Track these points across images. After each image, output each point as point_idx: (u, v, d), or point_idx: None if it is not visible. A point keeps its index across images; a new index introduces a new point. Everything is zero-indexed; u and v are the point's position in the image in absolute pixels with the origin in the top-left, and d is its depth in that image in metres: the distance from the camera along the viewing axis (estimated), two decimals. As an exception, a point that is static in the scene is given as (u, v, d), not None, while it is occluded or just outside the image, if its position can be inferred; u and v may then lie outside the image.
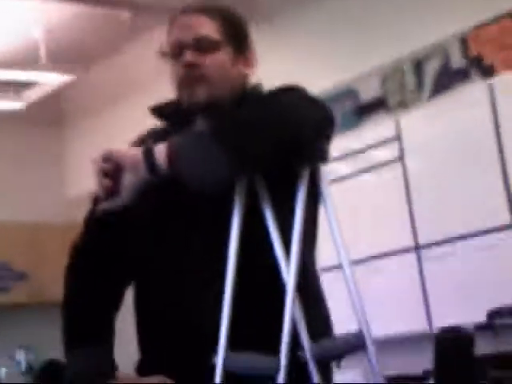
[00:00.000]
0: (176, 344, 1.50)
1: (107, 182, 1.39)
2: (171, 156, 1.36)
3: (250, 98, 1.55)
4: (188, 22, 1.56)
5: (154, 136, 1.61)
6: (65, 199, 6.15)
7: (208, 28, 1.55)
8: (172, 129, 1.62)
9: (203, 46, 1.54)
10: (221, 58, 1.55)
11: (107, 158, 1.39)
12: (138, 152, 1.39)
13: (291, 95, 1.48)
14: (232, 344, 1.37)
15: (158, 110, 1.64)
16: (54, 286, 5.28)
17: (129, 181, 1.39)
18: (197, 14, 1.56)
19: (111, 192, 1.40)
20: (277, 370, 1.35)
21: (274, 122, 1.38)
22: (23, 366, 5.20)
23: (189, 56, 1.54)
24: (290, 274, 1.41)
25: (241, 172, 1.40)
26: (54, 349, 5.23)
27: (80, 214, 5.43)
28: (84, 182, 6.11)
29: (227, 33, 1.56)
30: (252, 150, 1.37)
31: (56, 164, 6.23)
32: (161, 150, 1.37)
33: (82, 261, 1.67)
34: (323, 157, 1.43)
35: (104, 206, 1.43)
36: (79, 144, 6.16)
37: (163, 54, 1.59)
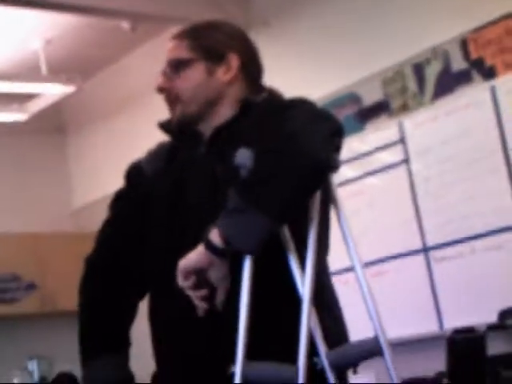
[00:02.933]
0: (192, 355, 1.52)
1: (203, 291, 1.44)
2: (224, 237, 1.41)
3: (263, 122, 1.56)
4: (168, 48, 1.67)
5: (164, 150, 1.69)
6: (70, 209, 6.16)
7: (179, 49, 1.64)
8: (179, 143, 1.67)
9: (174, 68, 1.63)
10: (192, 75, 1.62)
11: (185, 274, 1.43)
12: (200, 250, 1.43)
13: (299, 115, 1.50)
14: (249, 354, 1.38)
15: (165, 126, 1.69)
16: (64, 295, 5.35)
17: (216, 275, 1.43)
18: (172, 40, 1.67)
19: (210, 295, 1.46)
20: (296, 378, 1.36)
21: (295, 166, 1.42)
22: (36, 376, 5.21)
23: (159, 81, 1.65)
24: (305, 285, 1.42)
25: (284, 221, 1.45)
26: (66, 358, 5.28)
27: (85, 223, 5.51)
28: (88, 192, 6.14)
29: (197, 48, 1.62)
30: (286, 201, 1.42)
31: (60, 174, 6.25)
32: (214, 235, 1.42)
33: (97, 273, 1.70)
34: (336, 167, 1.46)
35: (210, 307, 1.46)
36: (82, 152, 6.17)
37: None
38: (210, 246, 1.41)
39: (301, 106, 1.55)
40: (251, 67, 1.67)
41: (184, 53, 1.62)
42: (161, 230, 1.61)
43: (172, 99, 1.63)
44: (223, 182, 1.53)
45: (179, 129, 1.64)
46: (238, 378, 1.36)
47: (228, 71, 1.62)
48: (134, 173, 1.73)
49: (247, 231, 1.40)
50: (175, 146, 1.68)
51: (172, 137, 1.70)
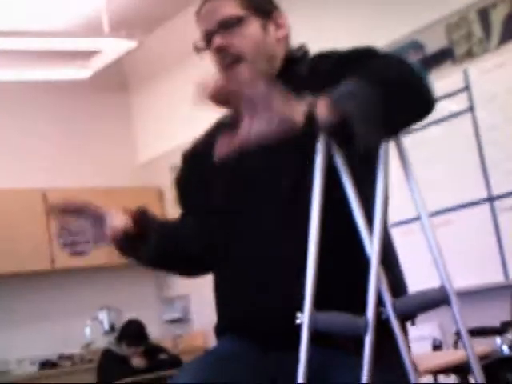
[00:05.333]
0: (258, 306, 1.52)
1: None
2: (339, 113, 1.27)
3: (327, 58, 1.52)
4: (209, 8, 1.60)
5: (225, 125, 1.63)
6: (136, 164, 6.27)
7: (228, 7, 1.57)
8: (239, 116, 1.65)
9: (228, 25, 1.56)
10: (249, 32, 1.56)
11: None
12: (296, 110, 1.27)
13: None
14: (315, 304, 1.38)
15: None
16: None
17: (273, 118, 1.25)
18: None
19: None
20: (365, 328, 1.37)
21: (419, 83, 1.37)
22: (106, 325, 5.39)
23: (216, 40, 1.57)
24: (373, 244, 1.42)
25: (393, 125, 1.37)
26: (133, 307, 5.45)
27: (150, 178, 5.65)
28: (153, 146, 6.22)
29: (249, 4, 1.57)
30: (403, 114, 1.36)
31: (124, 129, 6.35)
32: (322, 107, 1.27)
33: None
34: None
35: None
36: (145, 108, 6.24)
37: (198, 50, 1.62)
38: (311, 118, 1.26)
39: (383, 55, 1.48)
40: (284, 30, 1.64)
41: (236, 10, 1.57)
42: (222, 195, 1.61)
43: (233, 58, 1.56)
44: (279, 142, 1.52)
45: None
46: (306, 328, 1.36)
47: (278, 28, 1.60)
48: (189, 155, 1.73)
49: (369, 117, 1.27)
50: (236, 119, 1.65)
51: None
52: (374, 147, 1.40)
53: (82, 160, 5.96)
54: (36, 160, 5.76)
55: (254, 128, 1.23)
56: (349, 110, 1.26)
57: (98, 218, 1.68)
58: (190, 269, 1.79)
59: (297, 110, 1.26)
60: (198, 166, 1.68)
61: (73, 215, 1.68)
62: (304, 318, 1.37)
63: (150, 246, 1.67)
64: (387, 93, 1.31)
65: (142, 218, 1.69)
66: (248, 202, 1.55)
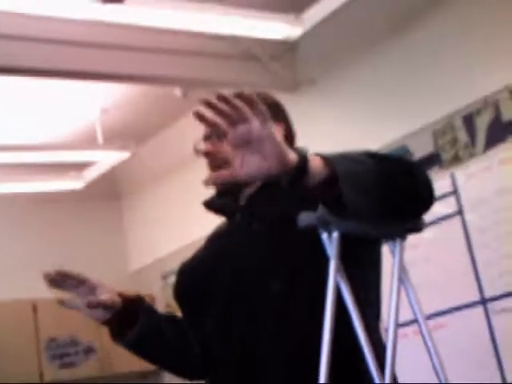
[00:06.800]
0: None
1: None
2: (331, 171, 1.26)
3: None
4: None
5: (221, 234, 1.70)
6: (127, 272, 6.25)
7: None
8: (222, 216, 1.70)
9: (219, 132, 1.61)
10: None
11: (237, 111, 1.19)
12: (284, 153, 1.22)
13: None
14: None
15: (210, 205, 1.72)
16: (122, 358, 5.35)
17: (261, 163, 1.21)
18: None
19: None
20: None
21: (423, 181, 1.41)
22: None
23: (206, 146, 1.65)
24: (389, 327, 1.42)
25: (386, 214, 1.37)
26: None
27: (142, 285, 5.59)
28: (144, 254, 6.22)
29: None
30: (403, 198, 1.37)
31: (116, 237, 6.36)
32: (316, 160, 1.27)
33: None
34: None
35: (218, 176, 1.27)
36: (137, 216, 6.28)
37: (198, 153, 1.68)
38: (302, 161, 1.22)
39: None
40: (290, 138, 1.70)
41: None
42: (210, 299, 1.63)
43: (219, 163, 1.61)
44: (260, 238, 1.54)
45: (225, 189, 1.64)
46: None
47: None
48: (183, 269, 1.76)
49: (360, 184, 1.25)
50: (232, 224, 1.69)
51: (216, 213, 1.72)
52: (371, 244, 1.42)
53: (72, 268, 5.90)
54: (26, 270, 5.72)
55: (246, 163, 1.21)
56: (341, 169, 1.24)
57: (91, 289, 1.76)
58: (176, 366, 1.77)
59: (290, 152, 1.24)
60: (192, 278, 1.71)
61: (67, 285, 1.67)
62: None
63: (137, 327, 1.71)
64: (386, 176, 1.33)
65: (135, 303, 1.72)
66: (239, 309, 1.57)
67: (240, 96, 1.16)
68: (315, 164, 1.24)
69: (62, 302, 1.78)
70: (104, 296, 1.74)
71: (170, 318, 1.80)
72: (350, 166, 1.27)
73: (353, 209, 1.25)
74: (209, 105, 1.16)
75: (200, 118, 1.19)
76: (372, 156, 1.35)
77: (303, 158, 1.23)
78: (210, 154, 1.64)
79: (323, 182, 1.24)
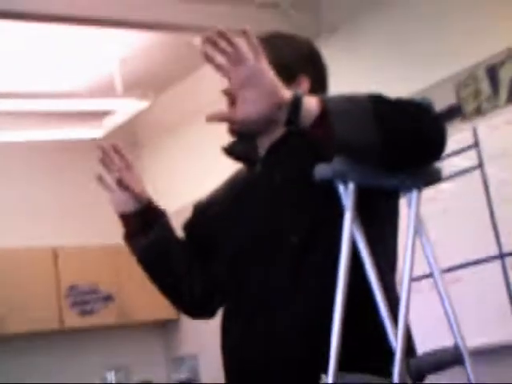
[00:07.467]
0: (267, 357, 1.51)
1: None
2: (323, 109, 1.29)
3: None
4: None
5: (240, 178, 1.70)
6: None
7: None
8: (240, 162, 1.69)
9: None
10: None
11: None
12: (278, 94, 1.30)
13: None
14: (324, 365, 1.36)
15: (228, 150, 1.71)
16: (140, 307, 5.45)
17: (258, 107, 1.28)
18: None
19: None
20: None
21: (432, 124, 1.41)
22: (114, 386, 5.34)
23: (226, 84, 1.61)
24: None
25: (390, 158, 1.37)
26: (142, 368, 5.38)
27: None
28: (163, 202, 6.24)
29: (275, 62, 1.53)
30: (406, 142, 1.36)
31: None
32: (311, 101, 1.31)
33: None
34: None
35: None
36: (156, 165, 6.29)
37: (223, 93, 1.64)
38: (295, 104, 1.29)
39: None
40: (318, 89, 1.66)
41: None
42: (226, 243, 1.64)
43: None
44: (281, 191, 1.54)
45: (240, 133, 1.64)
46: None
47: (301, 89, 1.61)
48: (199, 206, 1.79)
49: (353, 129, 1.27)
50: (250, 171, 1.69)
51: (235, 159, 1.72)
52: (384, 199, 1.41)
53: (92, 218, 5.97)
54: (46, 218, 5.78)
55: (244, 104, 1.29)
56: (332, 106, 1.28)
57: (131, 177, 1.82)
58: (171, 292, 1.79)
59: (285, 90, 1.31)
60: (208, 217, 1.73)
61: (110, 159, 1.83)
62: (329, 380, 1.33)
63: (151, 235, 1.76)
64: (386, 118, 1.32)
65: (157, 213, 1.81)
66: (257, 258, 1.56)
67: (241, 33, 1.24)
68: (309, 101, 1.29)
69: (100, 177, 1.83)
70: (137, 186, 1.71)
71: (182, 245, 1.80)
72: (344, 104, 1.30)
73: (344, 143, 1.29)
74: (209, 41, 1.23)
75: (206, 57, 1.27)
76: (376, 99, 1.35)
77: (297, 95, 1.28)
78: (230, 93, 1.59)
79: (319, 120, 1.28)
